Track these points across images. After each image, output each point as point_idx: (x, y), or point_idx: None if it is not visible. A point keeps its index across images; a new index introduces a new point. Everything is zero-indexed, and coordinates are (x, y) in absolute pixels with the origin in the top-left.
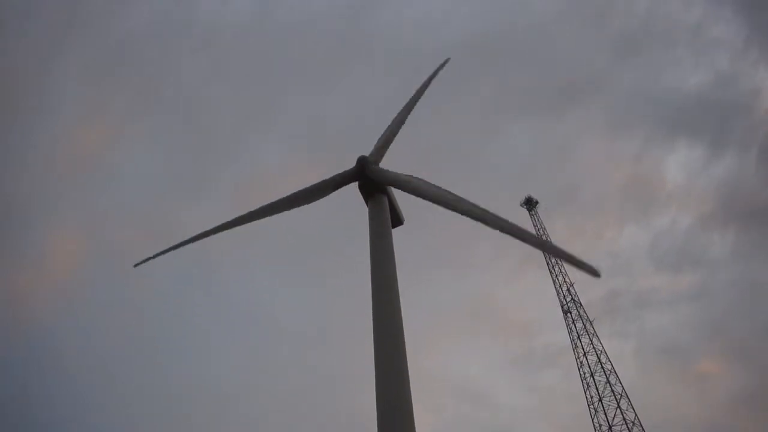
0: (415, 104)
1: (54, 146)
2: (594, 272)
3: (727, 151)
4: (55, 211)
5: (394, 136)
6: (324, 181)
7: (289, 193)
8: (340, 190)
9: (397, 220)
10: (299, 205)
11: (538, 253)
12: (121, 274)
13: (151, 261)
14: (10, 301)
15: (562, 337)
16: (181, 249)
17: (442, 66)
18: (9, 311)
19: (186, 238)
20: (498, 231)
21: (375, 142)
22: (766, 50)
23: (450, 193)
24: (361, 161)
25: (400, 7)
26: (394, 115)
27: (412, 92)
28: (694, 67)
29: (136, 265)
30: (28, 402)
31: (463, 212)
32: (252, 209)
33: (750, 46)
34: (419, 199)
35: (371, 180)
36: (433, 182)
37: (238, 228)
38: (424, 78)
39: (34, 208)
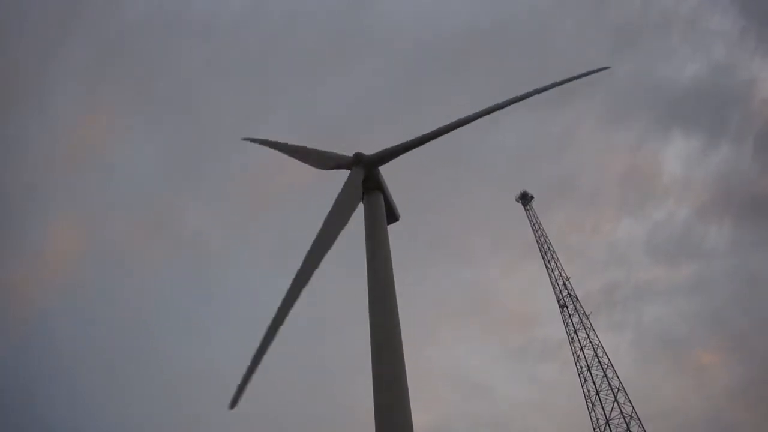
0: (439, 136)
1: (52, 141)
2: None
3: (724, 141)
4: (53, 206)
5: (406, 151)
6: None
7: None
8: (335, 186)
9: (392, 217)
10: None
11: (534, 247)
12: (120, 269)
13: (157, 247)
14: (8, 297)
15: (560, 330)
16: (181, 248)
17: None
18: (8, 306)
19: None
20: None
21: (373, 137)
22: (762, 40)
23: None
24: (356, 157)
25: (399, 2)
26: (394, 111)
27: (411, 89)
28: (690, 58)
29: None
30: (27, 397)
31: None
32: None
33: (746, 36)
34: (415, 196)
35: (367, 177)
36: (430, 173)
37: (236, 223)
38: (424, 75)
39: (33, 204)
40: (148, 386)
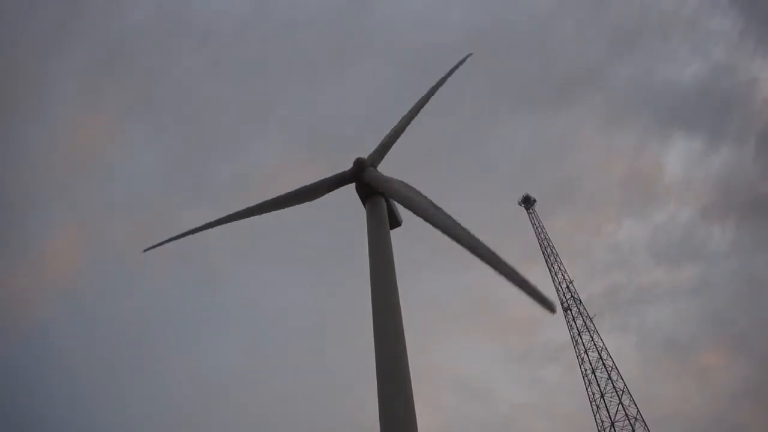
0: (421, 108)
1: (52, 144)
2: (550, 307)
3: (725, 142)
4: (54, 208)
5: (396, 139)
6: (320, 182)
7: (286, 192)
8: (338, 191)
9: (395, 221)
10: (295, 204)
11: (537, 250)
12: (121, 271)
13: (157, 248)
14: (9, 300)
15: (563, 333)
16: (183, 248)
17: (455, 67)
18: (9, 309)
19: (189, 228)
20: (481, 260)
21: (373, 139)
22: (762, 41)
23: (440, 211)
24: (358, 163)
25: (398, 4)
26: (394, 113)
27: (411, 91)
28: (690, 59)
29: (145, 251)
30: (28, 398)
31: (451, 236)
32: (250, 205)
33: (746, 37)
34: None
35: (368, 182)
36: (432, 178)
37: (237, 228)
38: (423, 77)
39: (34, 206)
40: (148, 387)
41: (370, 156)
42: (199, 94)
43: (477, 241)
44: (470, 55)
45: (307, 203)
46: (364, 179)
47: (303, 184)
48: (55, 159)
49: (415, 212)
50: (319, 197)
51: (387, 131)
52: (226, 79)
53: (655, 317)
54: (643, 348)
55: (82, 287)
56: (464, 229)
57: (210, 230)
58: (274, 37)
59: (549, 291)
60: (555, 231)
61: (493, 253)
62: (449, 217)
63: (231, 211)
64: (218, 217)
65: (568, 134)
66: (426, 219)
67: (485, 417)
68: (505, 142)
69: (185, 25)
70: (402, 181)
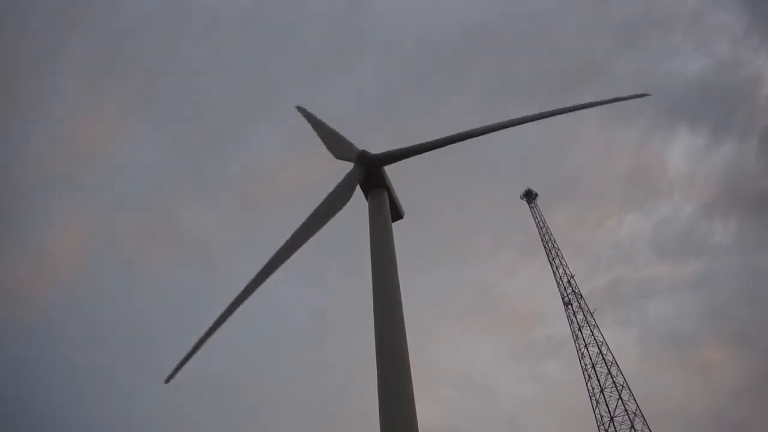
0: (454, 142)
1: (55, 141)
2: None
3: (729, 138)
4: (56, 206)
5: (413, 155)
6: (337, 192)
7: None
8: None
9: (397, 215)
10: (324, 223)
11: (539, 244)
12: (123, 268)
13: (158, 243)
14: (12, 297)
15: (565, 327)
16: (183, 246)
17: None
18: (12, 306)
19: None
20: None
21: (376, 133)
22: (767, 37)
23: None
24: (361, 157)
25: None
26: (397, 108)
27: (413, 86)
28: (694, 54)
29: (167, 381)
30: (29, 395)
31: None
32: (273, 255)
33: (751, 32)
34: (419, 194)
35: (370, 175)
36: (434, 172)
37: (238, 222)
38: (425, 72)
39: (36, 203)
40: (150, 384)
41: (380, 155)
42: (200, 90)
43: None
44: (646, 95)
45: (309, 204)
46: (370, 162)
47: (306, 184)
48: (57, 156)
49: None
50: (331, 152)
51: (390, 127)
52: (227, 75)
53: (656, 312)
54: (644, 343)
55: (84, 284)
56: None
57: (212, 227)
58: (276, 32)
59: (550, 285)
60: (557, 225)
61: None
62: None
63: (234, 209)
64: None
65: (570, 129)
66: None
67: (486, 412)
68: (507, 136)
69: (187, 23)
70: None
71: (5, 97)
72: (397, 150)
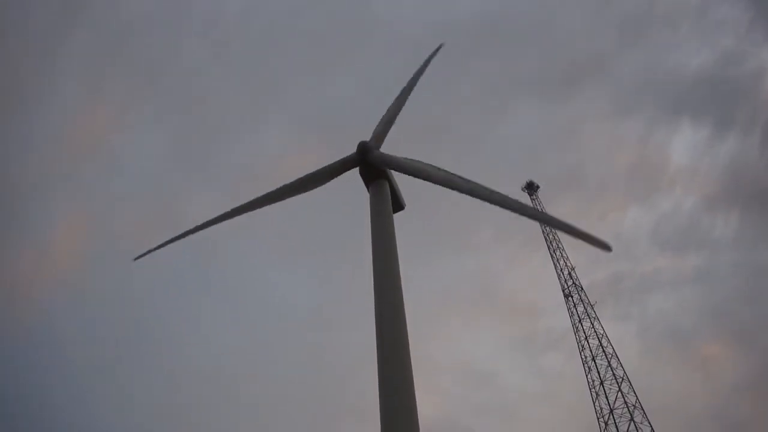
0: (411, 90)
1: (56, 134)
2: (605, 246)
3: (731, 132)
4: (57, 200)
5: (393, 120)
6: (324, 168)
7: (289, 181)
8: (339, 178)
9: (398, 205)
10: (300, 193)
11: (540, 236)
12: (124, 261)
13: (152, 253)
14: (13, 291)
15: (565, 320)
16: (184, 241)
17: (435, 52)
18: (12, 301)
19: (188, 228)
20: (504, 210)
21: (375, 125)
22: None
23: (452, 174)
24: (362, 147)
25: None
26: (394, 99)
27: (411, 76)
28: (698, 48)
29: (136, 259)
30: (29, 390)
31: (467, 192)
32: (253, 198)
33: (755, 26)
34: (420, 184)
35: (372, 165)
36: (437, 161)
37: (240, 218)
38: (422, 61)
39: (37, 196)
40: (150, 378)
41: (371, 139)
42: (201, 85)
43: (508, 198)
44: (442, 45)
45: (311, 197)
46: (369, 161)
47: (308, 172)
48: (57, 153)
49: (435, 181)
50: (324, 184)
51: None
52: (230, 66)
53: (657, 306)
54: (645, 337)
55: (84, 281)
56: (490, 189)
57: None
58: (278, 27)
59: (550, 277)
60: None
61: (529, 207)
62: (471, 181)
63: (236, 204)
64: (222, 212)
65: (574, 122)
66: (448, 185)
67: (486, 403)
68: (511, 128)
69: (189, 16)
70: (409, 158)
71: (5, 94)
72: (396, 160)
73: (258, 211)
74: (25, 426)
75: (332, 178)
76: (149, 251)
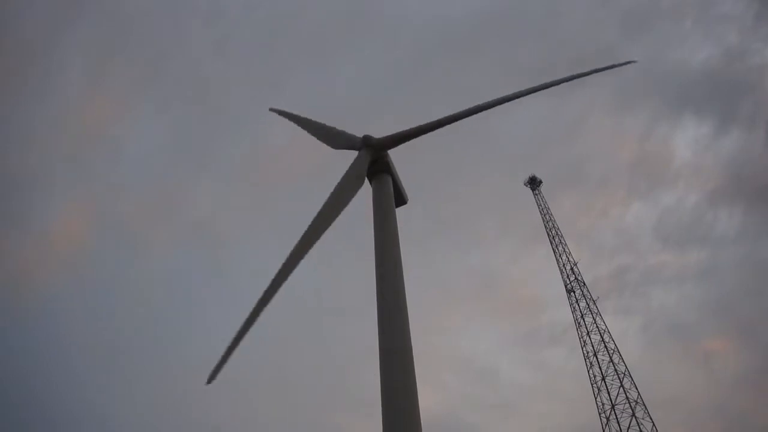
0: (456, 120)
1: (60, 120)
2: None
3: (735, 127)
4: (61, 187)
5: (416, 136)
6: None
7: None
8: (343, 167)
9: (401, 200)
10: (339, 212)
11: (543, 231)
12: (128, 250)
13: (163, 222)
14: (15, 278)
15: (568, 314)
16: (189, 229)
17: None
18: (13, 286)
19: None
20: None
21: (383, 117)
22: None
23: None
24: (366, 141)
25: None
26: (404, 91)
27: (421, 69)
28: (702, 43)
29: (208, 382)
30: (31, 378)
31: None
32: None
33: (760, 22)
34: (423, 180)
35: (375, 160)
36: (439, 157)
37: (244, 207)
38: (433, 55)
39: (40, 183)
40: (151, 367)
41: (385, 138)
42: (206, 71)
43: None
44: (633, 62)
45: (315, 186)
46: (373, 146)
47: (313, 166)
48: (62, 136)
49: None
50: (328, 144)
51: (396, 112)
52: (234, 55)
53: (660, 301)
54: (648, 332)
55: (89, 266)
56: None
57: (218, 209)
58: (284, 15)
59: (554, 272)
60: (562, 212)
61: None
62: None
63: (240, 191)
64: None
65: (577, 116)
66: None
67: (488, 397)
68: (514, 121)
69: (194, 3)
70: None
71: (9, 79)
72: (401, 132)
73: (263, 199)
74: (26, 412)
75: (338, 148)
76: (219, 367)
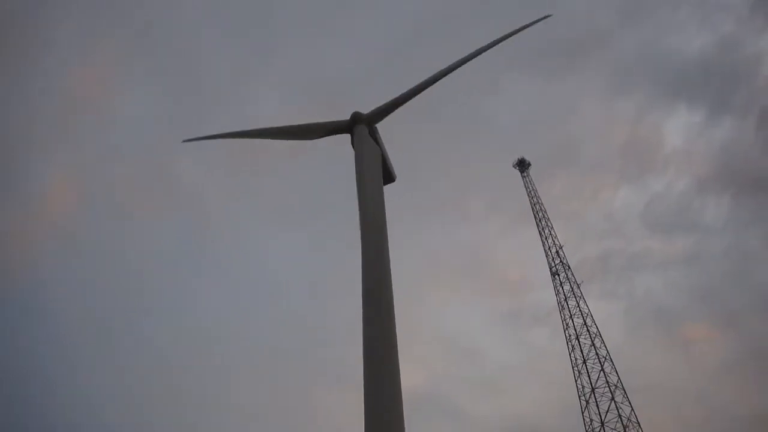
0: (436, 81)
1: (51, 90)
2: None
3: (727, 116)
4: (52, 154)
5: (400, 105)
6: (316, 124)
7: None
8: (336, 146)
9: (388, 177)
10: (291, 139)
11: (531, 214)
12: (117, 222)
13: (153, 195)
14: (4, 249)
15: (552, 296)
16: (180, 201)
17: (494, 43)
18: (2, 254)
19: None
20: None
21: (374, 92)
22: None
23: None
24: (355, 117)
25: None
26: (396, 67)
27: (414, 45)
28: (698, 31)
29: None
30: (19, 353)
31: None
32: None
33: (756, 12)
34: (412, 157)
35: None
36: (430, 134)
37: (233, 181)
38: (426, 33)
39: (32, 151)
40: (139, 338)
41: (369, 114)
42: (198, 41)
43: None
44: (548, 16)
45: (301, 145)
46: (360, 121)
47: (304, 141)
48: (52, 104)
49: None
50: (311, 139)
51: (389, 86)
52: (224, 26)
53: (645, 286)
54: (631, 317)
55: (76, 236)
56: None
57: (208, 181)
58: None
59: (540, 253)
60: (551, 194)
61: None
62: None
63: (231, 164)
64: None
65: (570, 99)
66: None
67: (472, 376)
68: (506, 102)
69: None
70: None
71: (1, 45)
72: (386, 104)
73: (255, 174)
74: (14, 385)
75: (320, 137)
76: (196, 138)
